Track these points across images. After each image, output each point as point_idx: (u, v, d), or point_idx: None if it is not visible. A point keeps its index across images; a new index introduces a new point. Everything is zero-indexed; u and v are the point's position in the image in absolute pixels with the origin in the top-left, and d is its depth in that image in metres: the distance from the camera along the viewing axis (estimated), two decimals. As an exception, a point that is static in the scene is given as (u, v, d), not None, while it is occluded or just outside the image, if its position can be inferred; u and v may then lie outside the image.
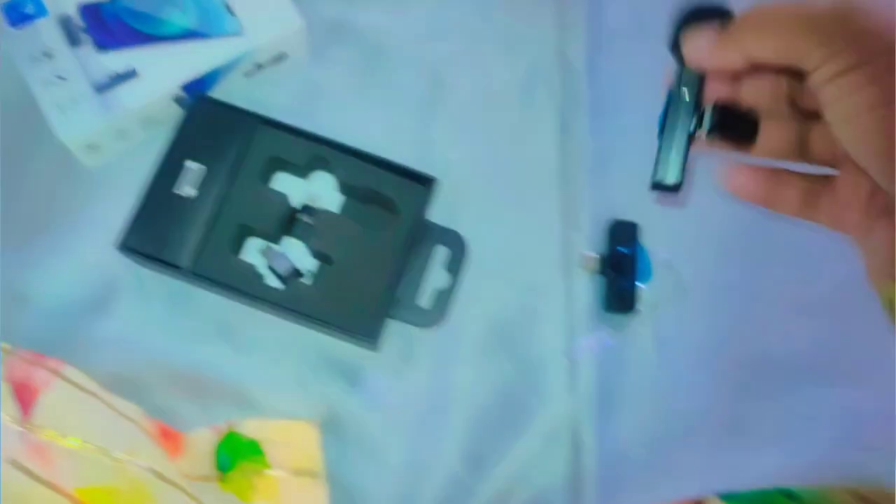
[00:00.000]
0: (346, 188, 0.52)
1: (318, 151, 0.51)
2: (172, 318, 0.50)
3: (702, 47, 0.29)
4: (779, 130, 0.31)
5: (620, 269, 0.51)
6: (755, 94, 0.31)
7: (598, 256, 0.53)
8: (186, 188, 0.49)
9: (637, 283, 0.51)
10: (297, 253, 0.52)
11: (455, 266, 0.52)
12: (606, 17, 0.59)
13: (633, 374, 0.50)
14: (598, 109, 0.56)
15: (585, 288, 0.52)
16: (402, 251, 0.50)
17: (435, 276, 0.52)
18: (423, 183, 0.51)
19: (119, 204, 0.49)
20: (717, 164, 0.34)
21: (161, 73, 0.50)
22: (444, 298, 0.51)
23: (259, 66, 0.54)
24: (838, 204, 0.30)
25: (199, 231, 0.48)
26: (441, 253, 0.52)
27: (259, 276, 0.50)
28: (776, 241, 0.53)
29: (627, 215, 0.53)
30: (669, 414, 0.50)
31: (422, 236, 0.52)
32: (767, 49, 0.26)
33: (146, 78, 0.50)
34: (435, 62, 0.58)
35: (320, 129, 0.52)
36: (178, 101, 0.52)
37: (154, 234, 0.48)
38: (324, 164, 0.52)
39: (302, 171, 0.53)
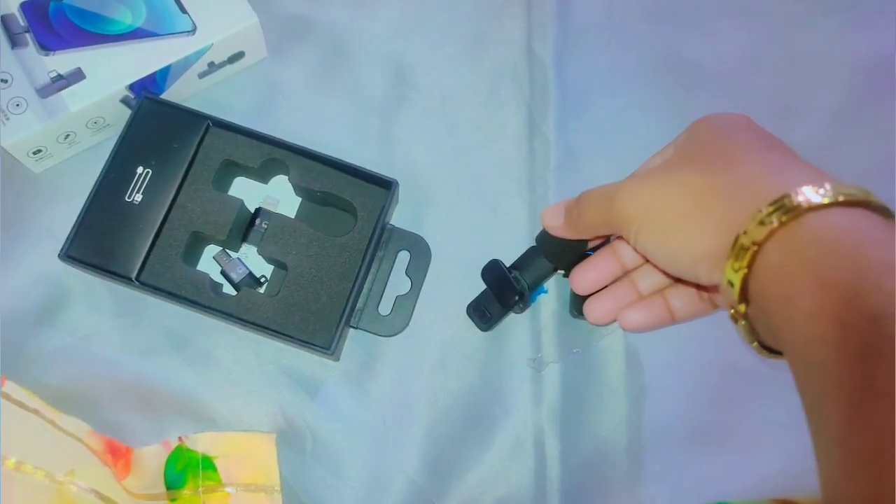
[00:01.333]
0: (303, 192, 0.50)
1: (272, 154, 0.49)
2: (123, 329, 0.48)
3: (555, 226, 0.40)
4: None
5: None
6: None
7: None
8: (134, 194, 0.47)
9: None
10: (254, 260, 0.50)
11: (418, 272, 0.50)
12: (575, 13, 0.57)
13: (602, 382, 0.49)
14: (567, 107, 0.54)
15: (552, 292, 0.50)
16: (363, 257, 0.48)
17: (397, 282, 0.50)
18: (384, 186, 0.49)
19: (67, 210, 0.47)
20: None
21: (108, 73, 0.48)
22: (406, 305, 0.49)
23: (214, 66, 0.52)
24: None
25: (146, 239, 0.46)
26: (404, 258, 0.50)
27: (214, 285, 0.48)
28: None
29: None
30: (639, 422, 0.48)
31: (383, 241, 0.50)
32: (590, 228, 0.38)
33: (92, 79, 0.48)
34: (399, 60, 0.56)
35: (280, 131, 0.50)
36: (127, 102, 0.50)
37: (99, 242, 0.46)
38: (280, 168, 0.50)
39: (259, 174, 0.51)
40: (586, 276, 0.41)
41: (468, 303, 0.48)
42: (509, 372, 0.49)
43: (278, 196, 0.51)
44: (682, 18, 0.58)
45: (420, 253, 0.50)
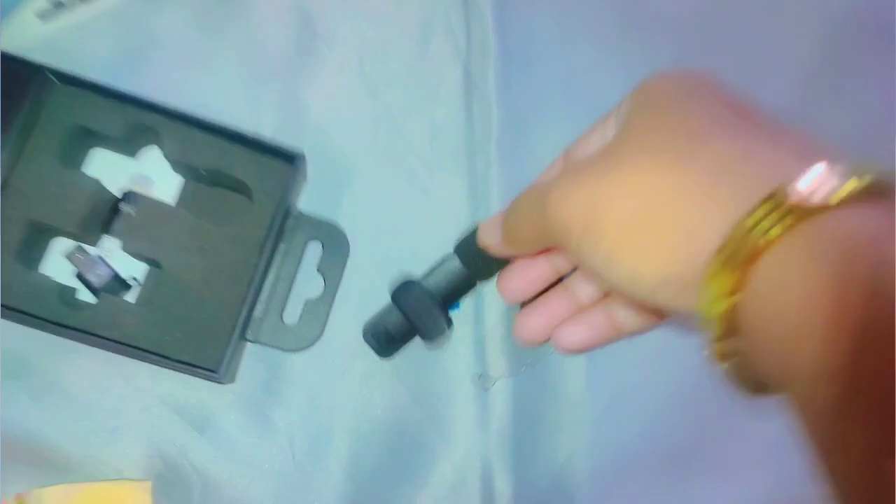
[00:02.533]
0: (184, 169, 0.40)
1: (140, 119, 0.38)
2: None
3: (494, 244, 0.31)
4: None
5: None
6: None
7: None
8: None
9: None
10: (121, 258, 0.39)
11: (333, 268, 0.40)
12: (518, -49, 0.48)
13: (559, 399, 0.41)
14: (510, 64, 0.45)
15: (496, 291, 0.42)
16: (260, 251, 0.38)
17: (306, 282, 0.40)
18: (286, 160, 0.39)
19: None
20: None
21: None
22: (318, 311, 0.39)
23: (61, 4, 0.40)
24: None
25: (-36, 234, 0.35)
26: (314, 252, 0.40)
27: (64, 293, 0.37)
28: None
29: None
30: (604, 446, 0.40)
31: (287, 230, 0.40)
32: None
33: None
34: (307, 5, 0.45)
35: (152, 91, 0.38)
36: None
37: None
38: (151, 137, 0.39)
39: (124, 146, 0.39)
40: (511, 284, 0.33)
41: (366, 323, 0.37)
42: (448, 391, 0.40)
43: (152, 175, 0.40)
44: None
45: (335, 245, 0.41)
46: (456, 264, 0.35)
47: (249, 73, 0.44)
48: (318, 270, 0.40)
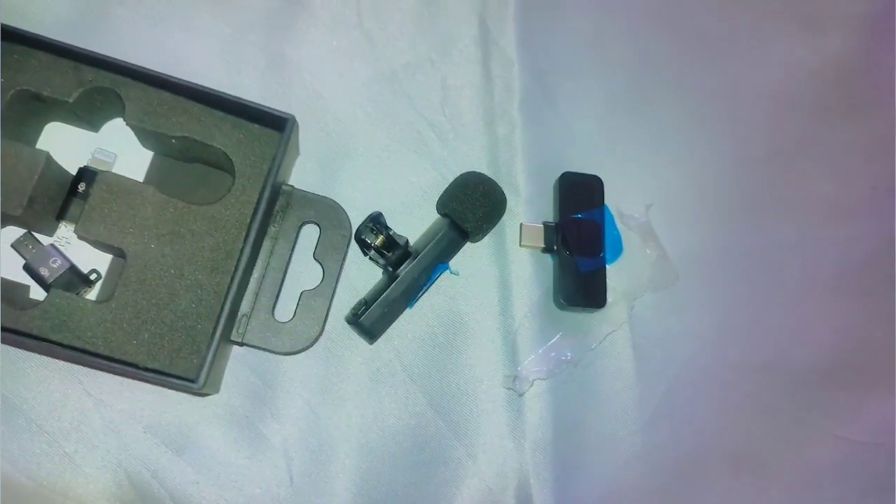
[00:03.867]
0: (152, 140, 0.33)
1: (98, 81, 0.32)
2: None
3: None
4: None
5: (579, 244, 0.35)
6: None
7: (542, 227, 0.36)
8: None
9: (605, 265, 0.35)
10: (79, 248, 0.32)
11: (332, 254, 0.34)
12: None
13: (605, 401, 0.34)
14: (531, 15, 0.39)
15: (528, 275, 0.35)
16: (246, 235, 0.31)
17: (302, 271, 0.34)
18: (275, 126, 0.33)
19: None
20: None
21: None
22: (317, 305, 0.33)
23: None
24: None
25: None
26: (310, 235, 0.34)
27: (9, 289, 0.30)
28: (784, 194, 0.38)
29: (579, 165, 0.37)
30: (659, 453, 0.34)
31: (278, 210, 0.33)
32: None
33: None
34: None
35: (112, 50, 0.32)
36: None
37: None
38: (111, 103, 0.33)
39: (80, 115, 0.33)
40: None
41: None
42: (474, 395, 0.34)
43: (114, 149, 0.34)
44: None
45: (334, 226, 0.34)
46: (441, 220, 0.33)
47: (227, 30, 0.37)
48: (314, 257, 0.34)
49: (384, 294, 0.33)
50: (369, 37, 0.38)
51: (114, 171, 0.33)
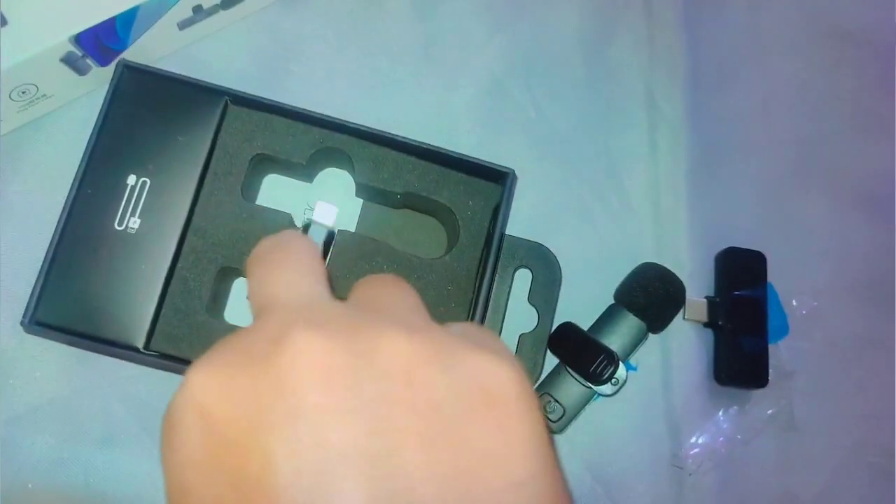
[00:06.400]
0: (371, 193, 0.34)
1: (326, 142, 0.33)
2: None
3: None
4: None
5: (741, 321, 0.36)
6: None
7: (706, 301, 0.36)
8: (128, 218, 0.30)
9: (768, 343, 0.36)
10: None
11: (546, 297, 0.35)
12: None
13: (766, 481, 0.35)
14: (699, 85, 0.40)
15: (690, 350, 0.36)
16: (478, 284, 0.33)
17: (518, 312, 0.35)
18: (492, 179, 0.34)
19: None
20: None
21: (40, 18, 0.30)
22: (536, 347, 0.34)
23: (201, 10, 0.35)
24: None
25: (154, 289, 0.30)
26: (523, 280, 0.35)
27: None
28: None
29: (740, 240, 0.37)
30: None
31: (498, 258, 0.34)
32: None
33: (16, 26, 0.30)
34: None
35: (296, 103, 0.33)
36: (71, 62, 0.32)
37: (79, 300, 0.29)
38: (337, 161, 0.34)
39: (305, 172, 0.34)
40: None
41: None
42: (639, 472, 0.35)
43: (331, 200, 0.35)
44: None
45: (545, 270, 0.35)
46: (618, 312, 0.35)
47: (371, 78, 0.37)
48: (529, 301, 0.35)
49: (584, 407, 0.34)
50: (533, 98, 0.39)
51: (333, 222, 0.34)
